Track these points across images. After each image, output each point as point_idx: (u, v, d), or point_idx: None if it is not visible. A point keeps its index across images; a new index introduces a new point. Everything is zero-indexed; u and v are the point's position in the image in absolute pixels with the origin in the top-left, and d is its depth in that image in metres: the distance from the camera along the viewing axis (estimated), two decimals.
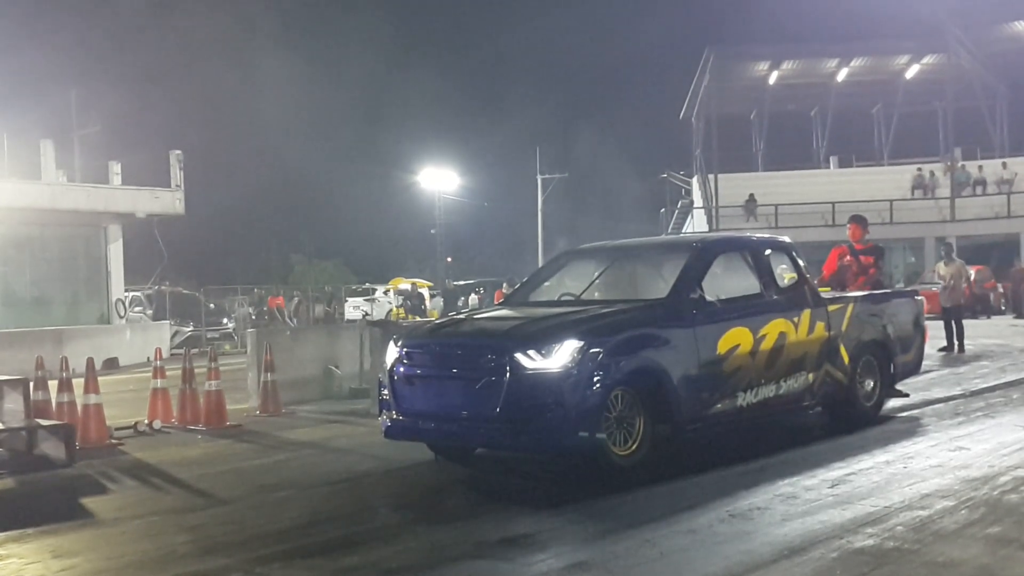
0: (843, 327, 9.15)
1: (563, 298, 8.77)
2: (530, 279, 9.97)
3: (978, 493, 6.34)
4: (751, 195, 43.04)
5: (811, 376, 8.74)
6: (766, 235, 9.94)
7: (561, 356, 6.93)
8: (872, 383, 9.58)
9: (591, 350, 7.00)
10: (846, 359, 9.12)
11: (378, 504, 7.02)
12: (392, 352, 7.93)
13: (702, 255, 8.46)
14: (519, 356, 6.98)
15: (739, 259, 8.82)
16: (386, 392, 7.88)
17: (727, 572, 4.86)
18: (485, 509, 6.61)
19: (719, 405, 7.82)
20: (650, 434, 7.31)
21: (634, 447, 7.22)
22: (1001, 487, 6.49)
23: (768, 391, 8.27)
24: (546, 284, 9.39)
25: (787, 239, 9.66)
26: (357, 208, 66.34)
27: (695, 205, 47.26)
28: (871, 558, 5.00)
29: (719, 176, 44.18)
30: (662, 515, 6.06)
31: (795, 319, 8.61)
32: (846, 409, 9.24)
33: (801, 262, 9.22)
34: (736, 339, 7.98)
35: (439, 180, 57.15)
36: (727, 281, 8.52)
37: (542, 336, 7.15)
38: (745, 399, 8.05)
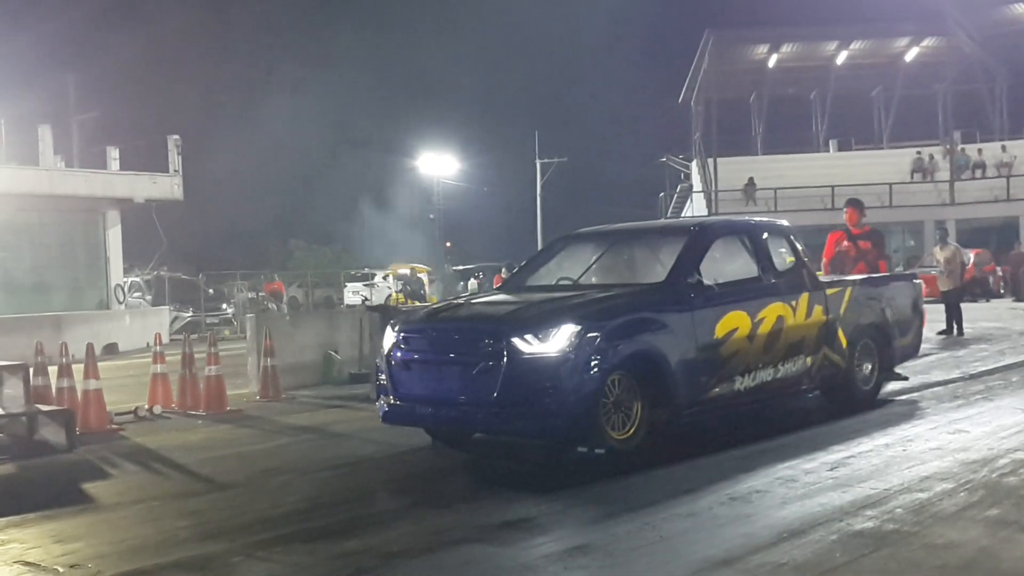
0: (841, 311, 9.14)
1: (561, 283, 8.74)
2: (527, 264, 9.93)
3: (977, 475, 6.35)
4: (750, 179, 42.99)
5: (809, 360, 8.73)
6: (764, 219, 9.92)
7: (558, 340, 6.92)
8: (870, 366, 9.57)
9: (588, 334, 6.99)
10: (844, 343, 9.11)
11: (378, 488, 7.04)
12: (390, 337, 7.92)
13: (700, 239, 8.44)
14: (516, 340, 6.96)
15: (737, 243, 8.79)
16: (384, 377, 7.87)
17: (727, 555, 4.87)
18: (485, 493, 6.62)
19: (717, 389, 7.81)
20: (648, 418, 7.29)
21: (631, 431, 7.21)
22: (1000, 469, 6.50)
23: (766, 375, 8.26)
24: (544, 268, 9.34)
25: (785, 223, 9.63)
26: (356, 193, 66.19)
27: (694, 189, 47.21)
28: (871, 540, 5.02)
29: (718, 160, 44.11)
30: (662, 498, 6.07)
31: (793, 303, 8.59)
32: (844, 393, 9.24)
33: (799, 246, 9.19)
34: (734, 323, 7.96)
35: (437, 165, 57.05)
36: (725, 265, 8.50)
37: (539, 320, 7.13)
38: (743, 383, 8.03)
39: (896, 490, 6.02)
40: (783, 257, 9.03)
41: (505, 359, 6.96)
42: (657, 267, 8.41)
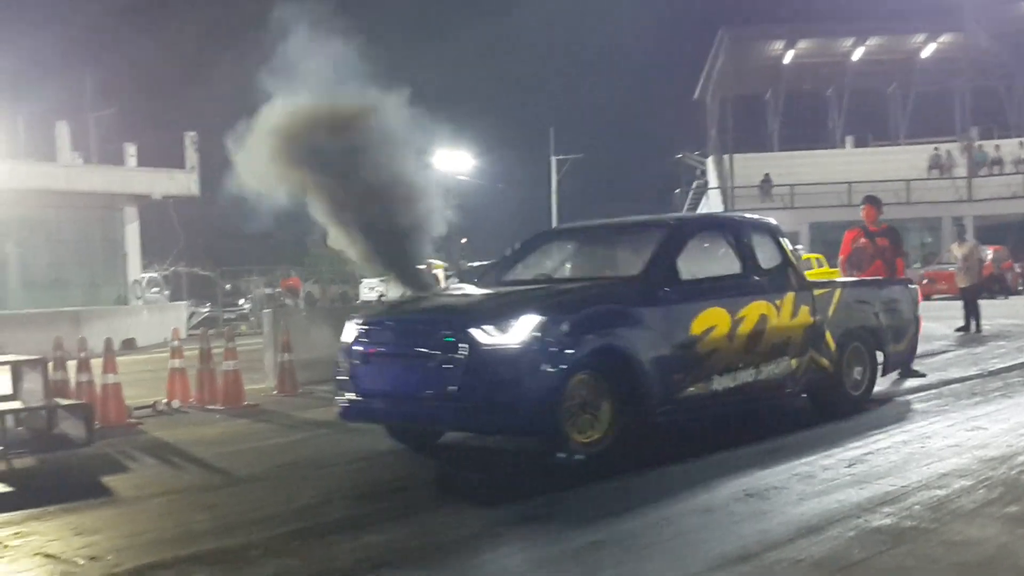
0: (829, 312, 8.81)
1: (537, 278, 8.44)
2: (504, 259, 9.52)
3: (996, 473, 6.32)
4: (767, 175, 42.92)
5: (794, 362, 8.39)
6: (752, 215, 9.65)
7: (520, 331, 6.67)
8: (861, 371, 9.23)
9: (553, 326, 6.74)
10: (832, 346, 8.77)
11: (395, 483, 7.04)
12: (350, 330, 7.72)
13: (678, 233, 8.21)
14: (475, 331, 6.72)
15: (720, 239, 8.55)
16: (344, 372, 7.66)
17: (744, 551, 4.86)
18: (500, 489, 6.64)
19: (692, 388, 7.50)
20: (618, 421, 7.01)
21: (599, 433, 6.94)
22: (1019, 467, 6.46)
23: (747, 375, 7.95)
24: (520, 265, 9.05)
25: (772, 220, 9.29)
26: None
27: (710, 186, 47.13)
28: (888, 537, 5.00)
29: (734, 156, 44.02)
30: (677, 494, 6.06)
31: (777, 302, 8.27)
32: (832, 397, 8.89)
33: (787, 244, 8.87)
34: (712, 320, 7.68)
35: (452, 161, 57.06)
36: (706, 261, 8.32)
37: (500, 311, 6.90)
38: (721, 383, 7.73)
39: (914, 487, 5.99)
40: (772, 255, 8.67)
41: (464, 351, 6.71)
42: (635, 262, 8.10)
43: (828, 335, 8.73)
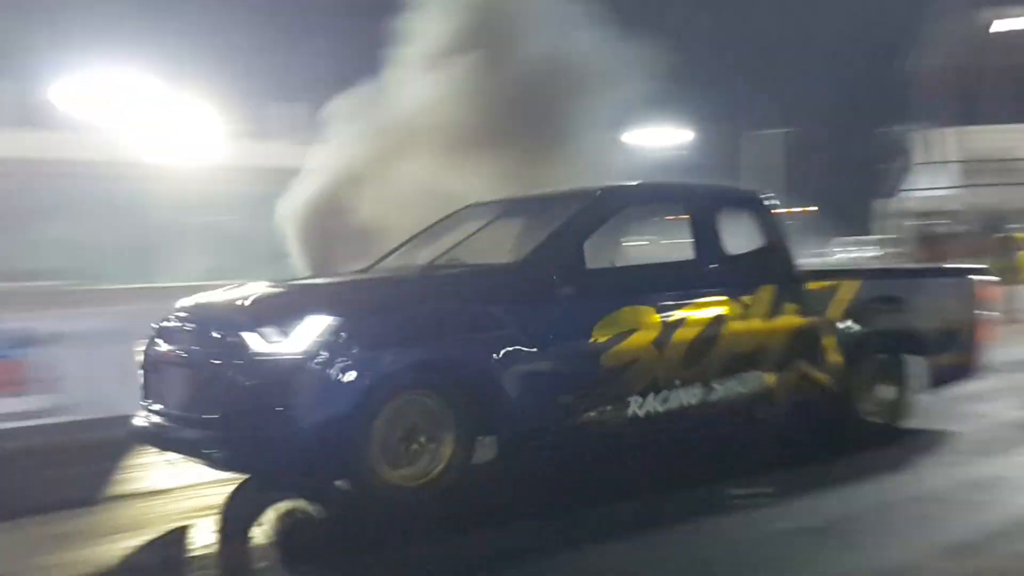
0: (832, 312, 6.85)
1: (440, 262, 6.79)
2: (413, 237, 7.55)
3: None
4: (985, 150, 40.67)
5: (771, 378, 6.53)
6: (723, 184, 7.58)
7: (304, 337, 5.10)
8: (892, 390, 7.20)
9: (352, 330, 5.17)
10: (837, 356, 6.80)
11: (597, 462, 6.80)
12: (154, 325, 6.17)
13: (596, 207, 6.40)
14: (249, 336, 5.17)
15: (667, 215, 6.94)
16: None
17: (971, 542, 4.75)
18: (723, 467, 6.51)
19: (592, 413, 5.82)
20: (464, 454, 5.46)
21: (435, 472, 5.37)
22: None
23: (688, 396, 6.17)
24: (436, 243, 7.30)
25: (753, 190, 7.46)
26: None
27: (921, 161, 45.04)
28: None
29: (950, 130, 41.90)
30: (894, 481, 5.96)
31: (745, 298, 6.44)
32: (839, 423, 7.05)
33: (773, 222, 6.92)
34: (628, 322, 5.95)
35: (647, 137, 56.70)
36: (643, 243, 6.99)
37: (283, 309, 5.36)
38: (645, 406, 5.99)
39: None
40: (748, 236, 6.87)
41: (233, 360, 5.18)
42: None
43: (831, 342, 6.82)
